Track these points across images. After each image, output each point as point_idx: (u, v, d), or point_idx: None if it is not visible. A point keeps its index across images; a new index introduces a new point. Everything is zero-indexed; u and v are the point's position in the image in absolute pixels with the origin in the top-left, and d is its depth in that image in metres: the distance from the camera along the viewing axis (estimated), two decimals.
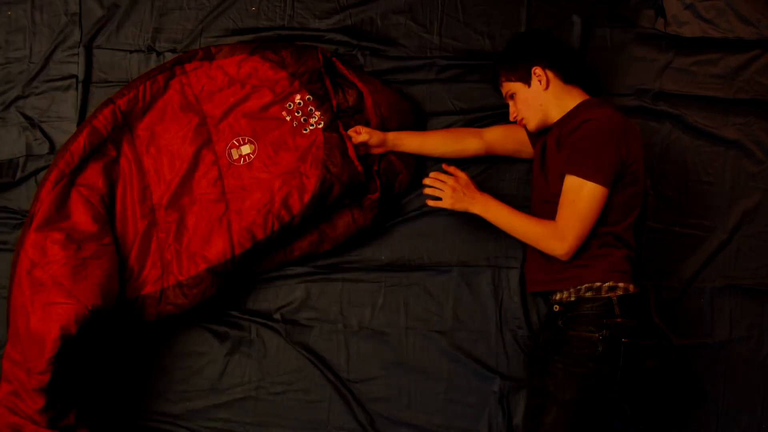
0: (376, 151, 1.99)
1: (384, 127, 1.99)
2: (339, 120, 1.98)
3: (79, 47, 2.06)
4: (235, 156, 1.97)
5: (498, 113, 2.06)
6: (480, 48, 2.09)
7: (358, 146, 1.95)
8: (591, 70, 2.06)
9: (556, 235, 1.71)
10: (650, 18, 2.10)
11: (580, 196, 1.70)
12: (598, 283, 1.73)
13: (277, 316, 2.03)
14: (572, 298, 1.75)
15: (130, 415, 1.99)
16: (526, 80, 1.84)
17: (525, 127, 1.92)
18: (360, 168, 1.92)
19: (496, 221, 1.80)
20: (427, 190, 1.82)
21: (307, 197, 1.90)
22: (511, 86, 1.88)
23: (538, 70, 1.83)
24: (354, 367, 2.02)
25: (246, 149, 1.97)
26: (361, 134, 1.96)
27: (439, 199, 1.81)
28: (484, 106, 2.08)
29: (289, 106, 1.99)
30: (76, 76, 2.05)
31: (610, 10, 2.10)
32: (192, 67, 1.98)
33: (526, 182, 2.04)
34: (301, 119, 1.98)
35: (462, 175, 1.82)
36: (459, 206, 1.79)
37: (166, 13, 2.07)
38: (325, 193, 1.91)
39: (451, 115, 2.08)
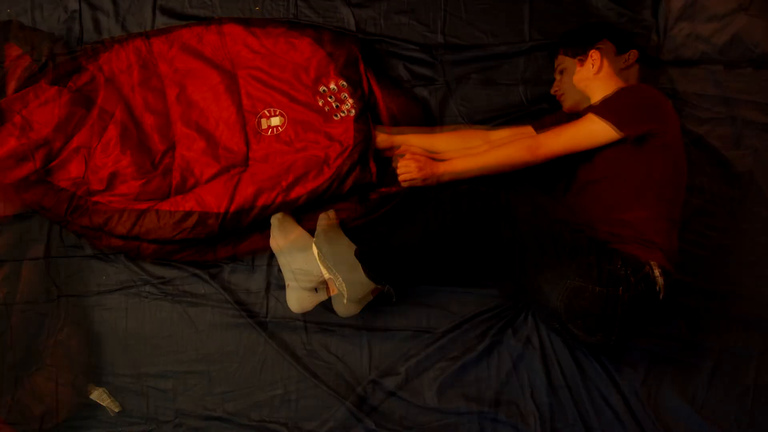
0: (386, 153, 2.00)
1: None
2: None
3: (80, 45, 2.05)
4: (264, 126, 1.97)
5: (503, 115, 2.07)
6: (483, 46, 2.08)
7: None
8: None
9: (533, 142, 1.78)
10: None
11: (580, 121, 1.76)
12: (646, 260, 1.68)
13: (300, 321, 2.01)
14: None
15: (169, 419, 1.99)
16: (581, 60, 1.90)
17: (561, 103, 1.96)
18: (374, 169, 1.93)
19: (472, 172, 1.83)
20: (401, 175, 1.87)
21: (318, 183, 1.90)
22: (565, 61, 1.94)
23: (594, 54, 1.88)
24: (375, 364, 1.99)
25: (275, 121, 1.97)
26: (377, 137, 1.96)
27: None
28: (487, 107, 2.08)
29: (323, 90, 1.98)
30: None
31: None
32: (228, 29, 1.99)
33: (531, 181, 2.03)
34: (334, 105, 1.98)
35: (417, 150, 1.92)
36: (430, 181, 1.85)
37: (167, 12, 2.06)
38: (335, 185, 1.90)
39: (455, 116, 2.08)
